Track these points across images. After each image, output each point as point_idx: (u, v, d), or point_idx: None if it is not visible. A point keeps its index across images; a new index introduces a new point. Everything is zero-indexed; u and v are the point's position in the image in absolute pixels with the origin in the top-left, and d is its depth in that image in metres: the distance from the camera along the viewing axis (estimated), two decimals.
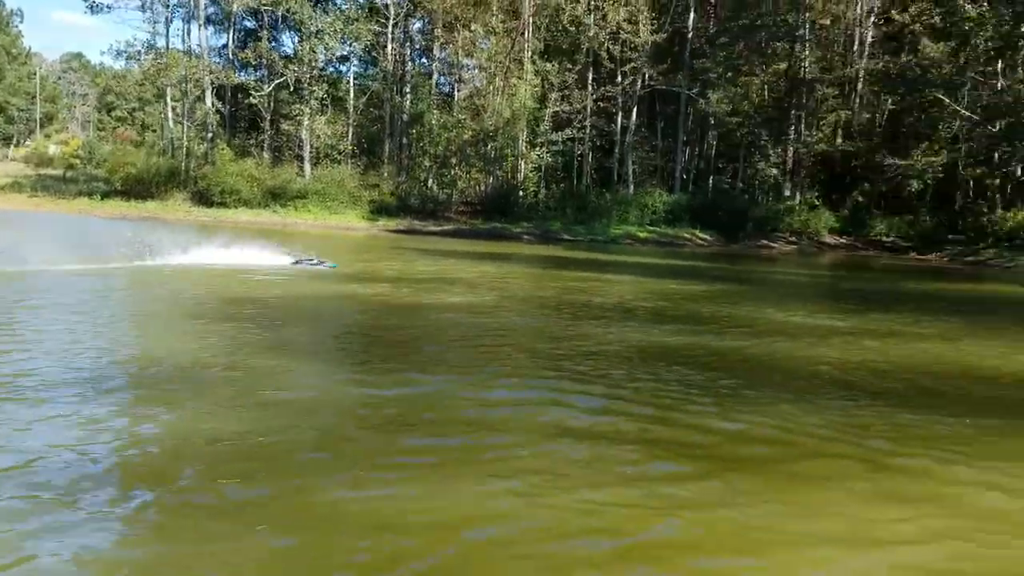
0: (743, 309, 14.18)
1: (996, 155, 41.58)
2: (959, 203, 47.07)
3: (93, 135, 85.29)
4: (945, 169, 44.80)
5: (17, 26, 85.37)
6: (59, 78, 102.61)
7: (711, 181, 51.39)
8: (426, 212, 44.75)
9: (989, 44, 42.15)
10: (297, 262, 16.69)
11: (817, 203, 49.09)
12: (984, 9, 41.24)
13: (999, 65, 42.72)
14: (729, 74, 48.99)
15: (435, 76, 50.29)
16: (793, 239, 46.87)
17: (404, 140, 47.81)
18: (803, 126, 49.57)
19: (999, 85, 42.18)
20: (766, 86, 50.68)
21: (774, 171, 49.10)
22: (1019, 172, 41.83)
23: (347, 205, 43.90)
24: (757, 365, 8.47)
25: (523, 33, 45.79)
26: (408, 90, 47.56)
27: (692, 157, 52.97)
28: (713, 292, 17.71)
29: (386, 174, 46.37)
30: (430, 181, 46.51)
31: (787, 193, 49.87)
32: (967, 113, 42.58)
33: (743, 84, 49.32)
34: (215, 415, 5.40)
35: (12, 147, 79.13)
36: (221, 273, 15.39)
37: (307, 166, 46.33)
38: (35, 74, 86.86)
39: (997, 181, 43.26)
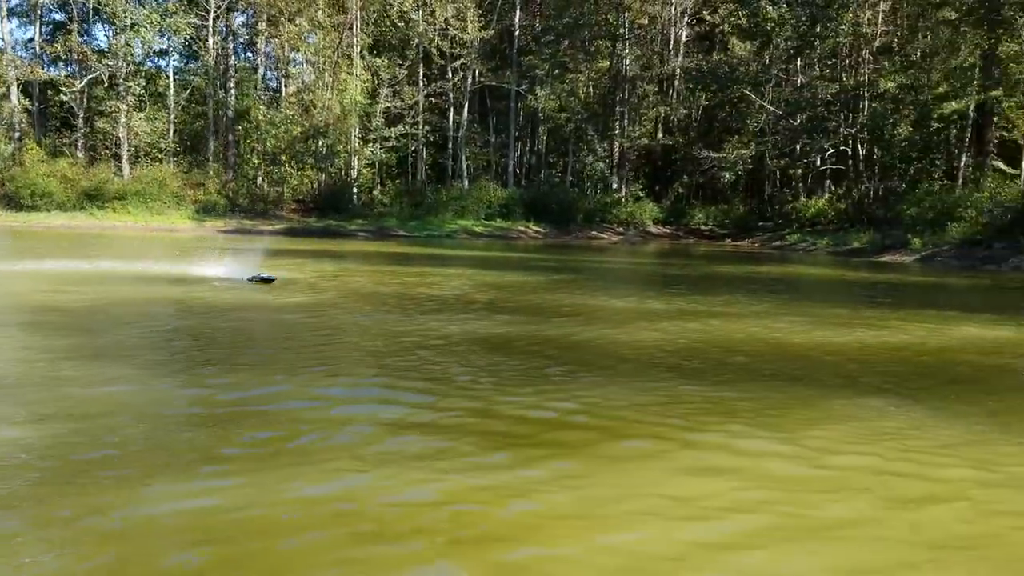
0: (575, 297, 15.47)
1: (798, 147, 45.39)
2: (768, 192, 51.09)
3: None
4: (754, 160, 48.70)
5: None
6: None
7: (543, 175, 53.29)
8: (256, 211, 44.45)
9: (789, 43, 45.89)
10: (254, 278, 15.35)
11: (641, 195, 52.16)
12: (784, 11, 44.87)
13: (798, 63, 46.63)
14: (556, 71, 51.12)
15: (261, 71, 49.74)
16: (621, 229, 49.56)
17: (231, 137, 47.27)
18: (626, 121, 52.27)
19: (799, 81, 46.05)
20: (591, 83, 53.22)
21: (601, 165, 51.73)
22: (819, 163, 45.83)
23: (170, 206, 43.02)
24: (587, 350, 9.09)
25: (351, 27, 46.05)
26: (232, 85, 46.90)
27: (524, 152, 54.92)
28: (547, 282, 19.26)
29: (212, 173, 45.67)
30: (259, 179, 46.02)
31: (614, 186, 52.60)
32: (771, 108, 46.40)
33: (570, 81, 51.53)
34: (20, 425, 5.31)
35: None
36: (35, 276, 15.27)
37: (126, 165, 45.03)
38: None
39: (800, 171, 47.17)
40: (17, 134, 45.08)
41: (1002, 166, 40.95)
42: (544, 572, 3.57)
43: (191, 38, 47.70)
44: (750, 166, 49.57)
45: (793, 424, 5.84)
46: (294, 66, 49.41)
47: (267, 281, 14.85)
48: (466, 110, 51.25)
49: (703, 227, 51.18)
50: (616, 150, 53.41)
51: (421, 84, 49.45)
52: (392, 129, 48.21)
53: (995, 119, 38.97)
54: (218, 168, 46.98)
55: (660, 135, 53.82)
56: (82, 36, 47.05)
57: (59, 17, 49.27)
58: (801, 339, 10.44)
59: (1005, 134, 41.02)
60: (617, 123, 53.09)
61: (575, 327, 10.83)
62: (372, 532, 3.86)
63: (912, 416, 6.27)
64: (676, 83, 54.10)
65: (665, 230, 51.25)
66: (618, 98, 53.11)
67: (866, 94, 43.45)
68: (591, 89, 54.20)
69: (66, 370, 7.11)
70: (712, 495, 4.41)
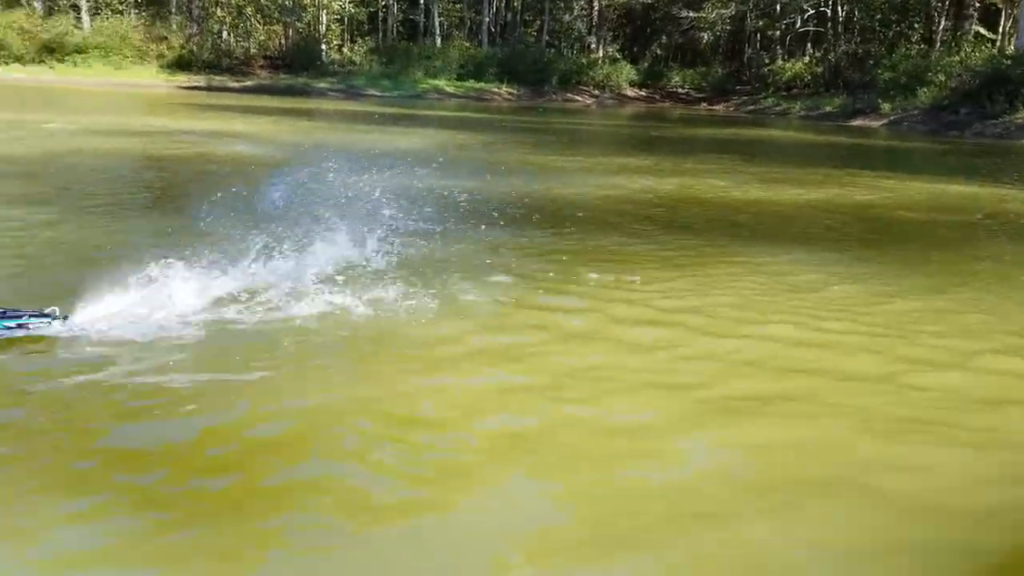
0: (549, 157, 16.08)
1: (778, 7, 45.06)
2: (747, 55, 50.93)
3: None
4: (734, 21, 48.15)
5: None
6: None
7: (518, 34, 52.62)
8: (223, 67, 44.02)
9: None
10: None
11: (619, 57, 51.62)
12: None
13: None
14: None
15: None
16: (596, 92, 49.56)
17: None
18: None
19: None
20: None
21: (579, 24, 50.92)
22: (798, 24, 45.64)
23: (133, 61, 42.35)
24: (542, 203, 9.84)
25: None
26: None
27: (499, 9, 53.80)
28: (521, 142, 19.37)
29: (175, 26, 44.66)
30: (225, 34, 45.12)
31: (592, 47, 51.97)
32: None
33: None
34: None
35: None
36: None
37: (85, 17, 44.15)
38: None
39: (779, 33, 47.05)
40: None
41: (982, 31, 41.14)
42: None
43: None
44: (729, 27, 49.27)
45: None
46: None
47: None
48: None
49: (680, 90, 51.35)
50: (595, 9, 52.67)
51: None
52: None
53: None
54: (181, 21, 46.05)
55: None
56: None
57: None
58: (741, 195, 11.39)
59: None
60: None
61: (535, 184, 11.54)
62: None
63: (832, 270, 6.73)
64: None
65: (642, 93, 51.37)
66: None
67: None
68: None
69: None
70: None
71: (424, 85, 45.56)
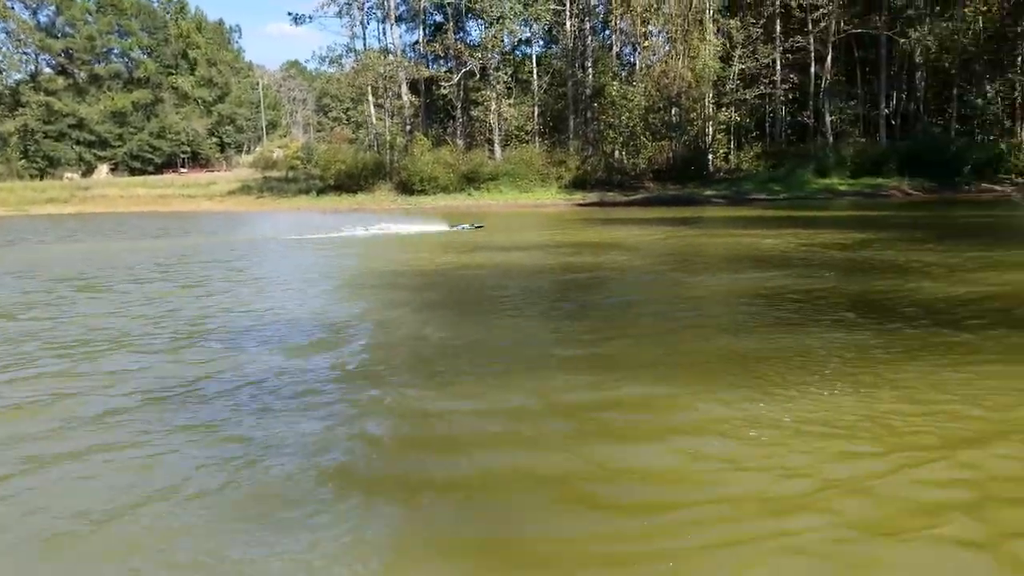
0: (916, 254, 15.81)
1: None
2: None
3: (312, 137, 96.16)
4: None
5: (237, 42, 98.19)
6: (280, 86, 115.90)
7: (921, 125, 50.43)
8: (614, 183, 48.34)
9: None
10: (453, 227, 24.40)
11: None
12: None
13: None
14: (935, 7, 47.91)
15: (615, 47, 53.24)
16: (1020, 180, 45.42)
17: (588, 114, 51.56)
18: None
19: None
20: (980, 16, 48.85)
21: (993, 108, 47.44)
22: None
23: (536, 183, 48.57)
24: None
25: None
26: (589, 65, 50.96)
27: (899, 102, 52.17)
28: (898, 240, 19.32)
29: (572, 150, 50.42)
30: (617, 152, 49.65)
31: (1013, 131, 48.04)
32: None
33: (952, 16, 47.94)
34: None
35: (243, 154, 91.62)
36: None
37: (497, 148, 51.59)
38: (257, 84, 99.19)
39: None
40: (408, 127, 53.72)
41: None
42: None
43: (551, 23, 52.82)
44: None
45: None
46: (647, 39, 52.26)
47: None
48: (829, 62, 50.38)
49: None
50: (1016, 90, 48.71)
51: (778, 41, 49.59)
52: (748, 91, 49.09)
53: None
54: (578, 145, 51.70)
55: None
56: (457, 33, 54.44)
57: (439, 18, 57.12)
58: None
59: None
60: (1019, 57, 48.45)
61: (901, 281, 11.93)
62: None
63: None
64: None
65: None
66: (1017, 30, 48.35)
67: None
68: (980, 23, 49.88)
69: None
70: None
71: (813, 185, 45.61)
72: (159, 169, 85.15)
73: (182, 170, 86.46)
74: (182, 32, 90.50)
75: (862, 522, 4.05)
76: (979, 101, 49.14)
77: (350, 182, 52.35)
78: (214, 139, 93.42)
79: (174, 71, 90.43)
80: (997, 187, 44.96)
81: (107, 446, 5.36)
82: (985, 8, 50.51)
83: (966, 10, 49.51)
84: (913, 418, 5.42)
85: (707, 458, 4.94)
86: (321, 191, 53.02)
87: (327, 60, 57.87)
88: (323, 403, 6.21)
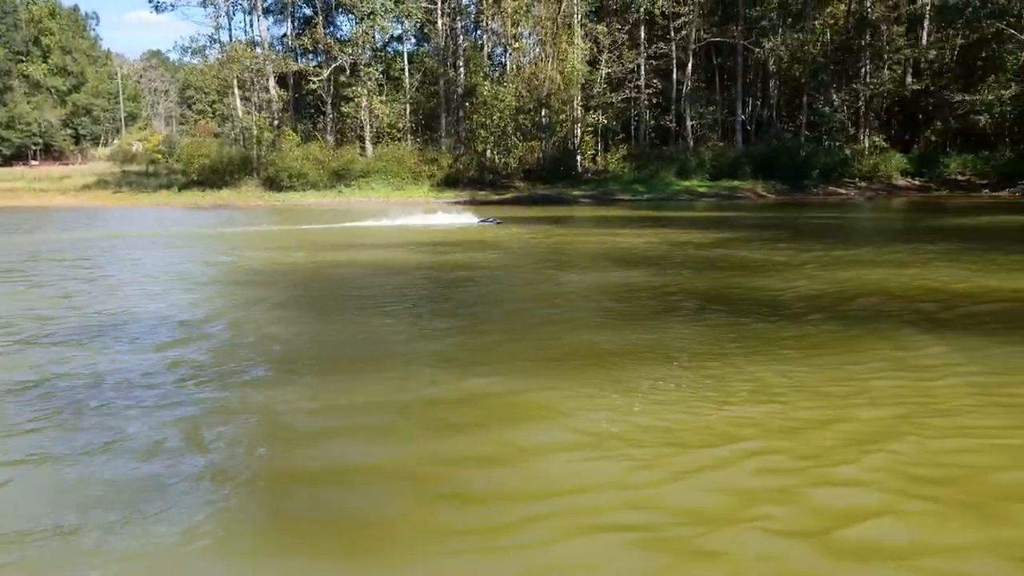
0: (766, 253, 16.80)
1: None
2: None
3: (175, 130, 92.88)
4: (1018, 100, 45.53)
5: (94, 29, 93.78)
6: (140, 77, 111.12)
7: (774, 131, 53.34)
8: (486, 183, 48.96)
9: None
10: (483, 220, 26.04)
11: (886, 145, 50.50)
12: None
13: None
14: (789, 20, 50.83)
15: (487, 48, 53.88)
16: (863, 184, 48.72)
17: (460, 113, 51.91)
18: (869, 67, 51.02)
19: None
20: (827, 29, 52.24)
21: (838, 115, 50.68)
22: None
23: (408, 181, 48.76)
24: (747, 298, 10.67)
25: None
26: (461, 64, 51.38)
27: (754, 108, 55.06)
28: (752, 239, 20.65)
29: (444, 148, 50.70)
30: (488, 152, 50.29)
31: (856, 137, 51.46)
32: None
33: (802, 29, 51.03)
34: None
35: (99, 147, 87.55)
36: None
37: (368, 146, 51.41)
38: (116, 74, 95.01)
39: None
40: (276, 122, 52.88)
41: None
42: None
43: (422, 21, 53.05)
44: (1009, 107, 46.56)
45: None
46: (517, 40, 53.19)
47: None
48: (689, 69, 52.69)
49: (959, 177, 48.93)
50: (862, 99, 52.23)
51: (643, 47, 51.47)
52: (614, 94, 50.72)
53: None
54: (450, 143, 52.12)
55: (909, 79, 51.85)
56: (327, 28, 53.99)
57: (308, 12, 56.45)
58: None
59: None
60: (861, 68, 51.96)
61: (750, 279, 12.70)
62: None
63: None
64: (926, 23, 51.75)
65: (915, 183, 49.69)
66: (860, 43, 51.93)
67: None
68: (828, 36, 53.31)
69: None
70: None
71: (675, 187, 47.61)
72: (8, 161, 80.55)
73: (33, 162, 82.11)
74: (34, 17, 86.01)
75: (707, 512, 4.19)
76: (826, 109, 52.45)
77: (215, 177, 50.99)
78: (68, 130, 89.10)
79: (25, 58, 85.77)
80: (842, 190, 48.15)
81: None
82: (832, 22, 54.06)
83: (816, 23, 52.84)
84: (756, 407, 5.78)
85: (559, 449, 5.12)
86: (184, 186, 51.43)
87: (190, 51, 56.31)
88: (166, 403, 6.14)
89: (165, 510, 4.28)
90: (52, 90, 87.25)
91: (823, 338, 8.07)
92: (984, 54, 50.48)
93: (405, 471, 4.82)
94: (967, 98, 46.22)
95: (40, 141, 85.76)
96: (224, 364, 7.44)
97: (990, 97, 45.69)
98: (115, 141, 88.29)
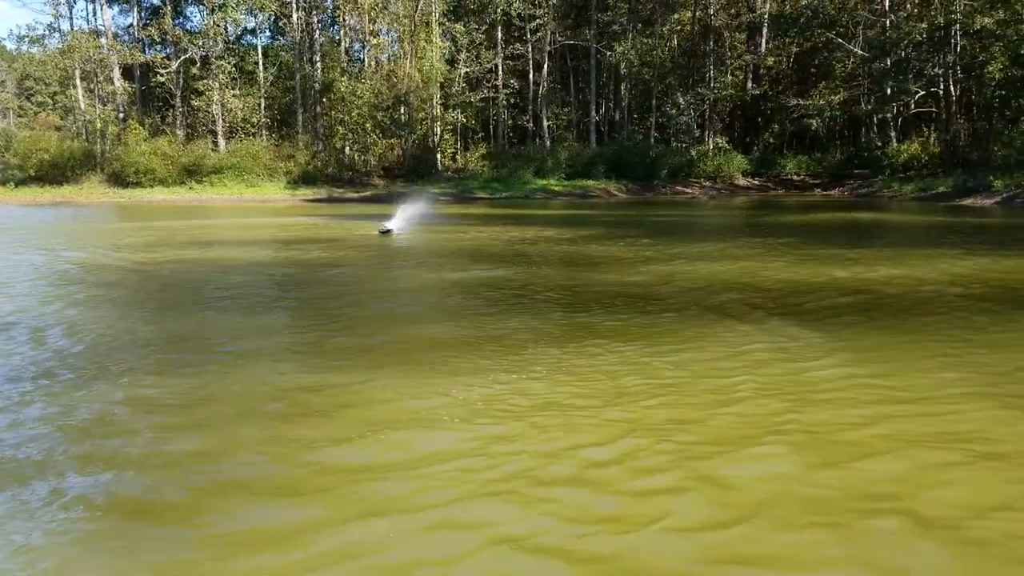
0: (610, 249, 18.43)
1: (888, 90, 46.18)
2: (863, 138, 51.91)
3: (12, 122, 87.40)
4: (843, 106, 49.39)
5: None
6: None
7: (625, 132, 55.61)
8: (344, 180, 48.96)
9: None
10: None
11: (728, 147, 53.52)
12: None
13: (886, 2, 47.25)
14: (636, 25, 53.05)
15: (344, 43, 53.74)
16: (707, 184, 51.43)
17: (318, 109, 51.59)
18: (713, 72, 53.90)
19: (887, 23, 46.70)
20: (675, 35, 54.94)
21: (684, 118, 53.37)
22: (912, 106, 46.49)
23: (263, 178, 48.07)
24: (592, 289, 11.77)
25: None
26: (318, 59, 51.16)
27: (608, 109, 57.22)
28: (605, 236, 21.66)
29: (301, 145, 50.20)
30: (347, 149, 50.24)
31: (700, 140, 54.28)
32: (858, 51, 47.30)
33: (651, 35, 53.45)
34: None
35: None
36: None
37: (221, 141, 50.55)
38: None
39: (890, 116, 48.03)
40: (121, 115, 51.04)
41: None
42: None
43: (277, 15, 52.38)
44: (837, 112, 50.59)
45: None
46: (376, 37, 53.31)
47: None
48: (545, 70, 54.37)
49: (795, 177, 52.68)
50: (707, 102, 55.19)
51: (500, 47, 52.65)
52: (472, 94, 51.66)
53: None
54: (307, 140, 51.68)
55: (750, 85, 55.23)
56: (176, 19, 52.51)
57: (156, 1, 54.65)
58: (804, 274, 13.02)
59: None
60: (706, 73, 54.87)
61: (597, 273, 13.73)
62: None
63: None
64: (764, 31, 55.28)
65: (755, 182, 53.04)
66: (705, 49, 54.84)
67: (958, 32, 43.77)
68: (675, 41, 56.07)
69: None
70: None
71: (532, 186, 49.01)
72: None
73: None
74: None
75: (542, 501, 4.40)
76: (673, 111, 55.22)
77: (55, 172, 48.66)
78: None
79: None
80: (688, 189, 50.90)
81: None
82: (679, 28, 56.91)
83: (664, 29, 55.47)
84: (594, 394, 6.32)
85: (404, 445, 5.27)
86: (21, 182, 48.83)
87: (27, 39, 53.46)
88: None
89: None
90: None
91: (668, 327, 8.95)
92: (816, 61, 54.59)
93: (236, 462, 5.01)
94: (801, 103, 49.83)
95: None
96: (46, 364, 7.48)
97: (821, 102, 49.45)
98: None
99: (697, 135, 55.92)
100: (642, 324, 9.09)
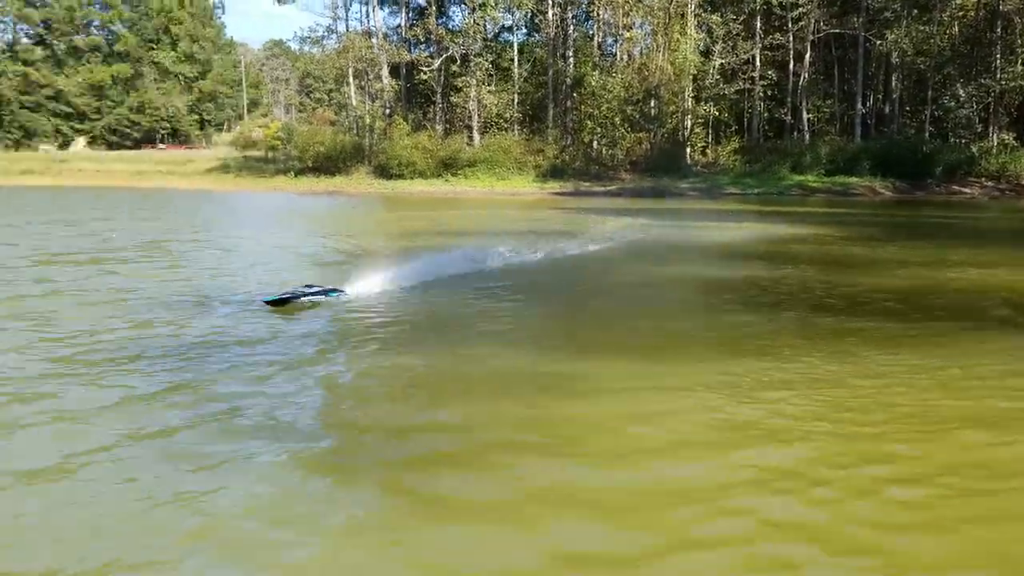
0: (867, 250, 17.11)
1: None
2: None
3: (294, 117, 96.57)
4: None
5: (220, 18, 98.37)
6: (263, 65, 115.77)
7: (895, 126, 51.80)
8: (591, 174, 49.34)
9: None
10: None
11: (1016, 144, 48.43)
12: None
13: None
14: (914, 11, 49.18)
15: (597, 38, 54.18)
16: (989, 183, 46.78)
17: (568, 104, 52.39)
18: (1001, 61, 48.87)
19: None
20: (956, 21, 50.26)
21: (965, 111, 48.74)
22: None
23: (514, 171, 49.61)
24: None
25: None
26: (570, 55, 51.88)
27: (875, 102, 53.55)
28: (859, 237, 20.69)
29: (550, 139, 51.26)
30: (595, 143, 50.66)
31: (984, 135, 49.44)
32: None
33: (928, 21, 49.28)
34: None
35: (222, 132, 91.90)
36: None
37: (476, 135, 52.45)
38: (240, 62, 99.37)
39: None
40: (388, 111, 54.57)
41: None
42: None
43: (533, 12, 53.74)
44: None
45: None
46: (629, 30, 53.24)
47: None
48: (807, 60, 51.72)
49: None
50: (992, 95, 50.07)
51: (758, 37, 50.77)
52: (727, 86, 50.24)
53: None
54: (556, 134, 52.63)
55: None
56: (439, 19, 55.28)
57: (422, 2, 57.90)
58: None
59: None
60: (992, 63, 49.80)
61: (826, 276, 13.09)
62: None
63: None
64: None
65: None
66: (991, 36, 49.76)
67: None
68: (956, 28, 51.27)
69: None
70: None
71: (788, 181, 46.83)
72: (137, 144, 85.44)
73: (161, 146, 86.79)
74: (164, 6, 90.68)
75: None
76: (951, 104, 50.49)
77: (328, 164, 53.11)
78: (194, 116, 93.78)
79: (155, 46, 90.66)
80: (966, 189, 46.35)
81: None
82: (961, 14, 51.91)
83: (943, 15, 50.88)
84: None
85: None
86: (299, 172, 53.72)
87: (308, 40, 58.62)
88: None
89: None
90: (180, 77, 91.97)
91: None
92: None
93: None
94: None
95: (168, 126, 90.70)
96: None
97: None
98: (237, 127, 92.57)
99: (979, 130, 50.77)
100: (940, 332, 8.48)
